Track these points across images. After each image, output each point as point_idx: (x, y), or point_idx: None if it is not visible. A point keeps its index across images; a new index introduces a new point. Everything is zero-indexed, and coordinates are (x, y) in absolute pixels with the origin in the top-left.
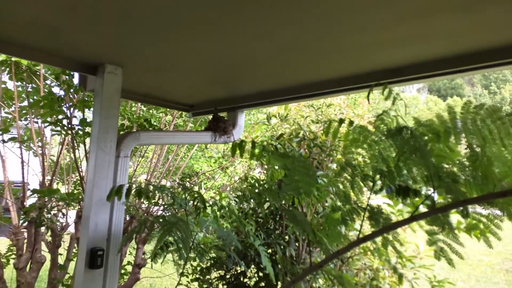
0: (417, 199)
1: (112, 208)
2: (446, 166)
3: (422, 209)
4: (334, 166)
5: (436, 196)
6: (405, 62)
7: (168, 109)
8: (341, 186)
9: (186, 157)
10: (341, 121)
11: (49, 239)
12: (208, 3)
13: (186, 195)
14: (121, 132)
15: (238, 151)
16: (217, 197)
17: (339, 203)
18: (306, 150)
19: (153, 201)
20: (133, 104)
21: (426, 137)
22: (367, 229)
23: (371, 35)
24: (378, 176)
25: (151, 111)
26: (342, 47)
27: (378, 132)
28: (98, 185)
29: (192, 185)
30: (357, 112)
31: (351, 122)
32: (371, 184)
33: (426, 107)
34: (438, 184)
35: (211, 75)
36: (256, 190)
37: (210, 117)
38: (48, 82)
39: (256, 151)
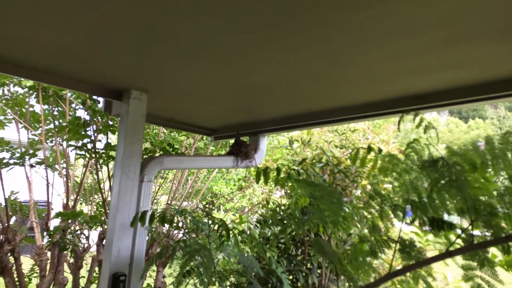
0: (451, 232)
1: (135, 233)
2: (483, 198)
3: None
4: (358, 192)
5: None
6: (432, 89)
7: (190, 133)
8: (368, 215)
9: (206, 179)
10: (370, 148)
11: (71, 260)
12: (232, 32)
13: (210, 222)
14: (144, 156)
15: (262, 178)
16: (237, 220)
17: (366, 232)
18: (330, 176)
19: (174, 224)
20: (155, 127)
21: (458, 166)
22: (390, 254)
23: (400, 63)
24: (409, 206)
25: (172, 134)
26: (369, 74)
27: (408, 160)
28: (122, 210)
29: (212, 208)
30: (382, 137)
31: (379, 150)
32: (400, 214)
33: (447, 129)
34: (475, 217)
35: (233, 100)
36: (279, 217)
37: (232, 140)
38: (73, 105)
39: (281, 178)
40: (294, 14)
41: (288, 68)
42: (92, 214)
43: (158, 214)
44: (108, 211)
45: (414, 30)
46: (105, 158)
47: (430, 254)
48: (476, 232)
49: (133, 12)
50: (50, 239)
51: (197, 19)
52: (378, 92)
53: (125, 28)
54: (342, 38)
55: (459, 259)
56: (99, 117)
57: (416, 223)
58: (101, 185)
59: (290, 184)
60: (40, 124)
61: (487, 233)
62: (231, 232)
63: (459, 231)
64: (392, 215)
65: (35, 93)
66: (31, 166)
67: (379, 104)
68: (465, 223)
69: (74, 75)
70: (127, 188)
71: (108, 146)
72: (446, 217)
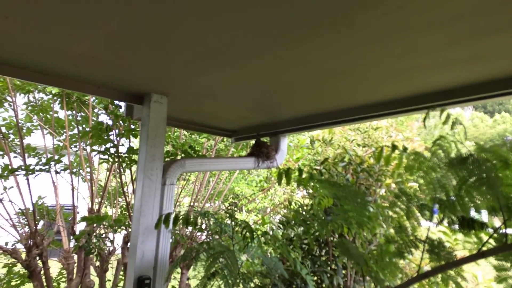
0: (483, 232)
1: (159, 236)
2: None
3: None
4: (383, 191)
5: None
6: (457, 84)
7: (210, 135)
8: (394, 215)
9: (228, 181)
10: (394, 147)
11: (97, 263)
12: (247, 35)
13: (233, 224)
14: (166, 159)
15: (284, 179)
16: (259, 221)
17: (392, 233)
18: (353, 175)
19: (197, 226)
20: (177, 130)
21: (489, 163)
22: (417, 255)
23: (422, 58)
24: (437, 205)
25: (193, 136)
26: (390, 70)
27: (435, 158)
28: (145, 214)
29: (235, 209)
30: (406, 135)
31: (404, 148)
32: (427, 213)
33: (471, 124)
34: (508, 216)
35: (252, 101)
36: (302, 217)
37: (252, 141)
38: (96, 110)
39: (303, 178)
40: (312, 13)
41: (307, 67)
42: (117, 217)
43: (182, 216)
44: (132, 214)
45: (439, 23)
46: (128, 162)
47: (459, 254)
48: (509, 231)
49: (149, 18)
50: (76, 243)
51: (215, 20)
52: (400, 88)
53: (143, 33)
54: (359, 34)
55: (491, 258)
56: (121, 122)
57: (445, 222)
58: (125, 189)
59: (312, 184)
60: (64, 130)
61: None
62: (254, 233)
63: (490, 231)
64: (418, 215)
65: (59, 99)
66: (57, 172)
67: (403, 100)
68: (496, 223)
69: (94, 80)
70: (150, 192)
71: (130, 150)
72: (475, 215)
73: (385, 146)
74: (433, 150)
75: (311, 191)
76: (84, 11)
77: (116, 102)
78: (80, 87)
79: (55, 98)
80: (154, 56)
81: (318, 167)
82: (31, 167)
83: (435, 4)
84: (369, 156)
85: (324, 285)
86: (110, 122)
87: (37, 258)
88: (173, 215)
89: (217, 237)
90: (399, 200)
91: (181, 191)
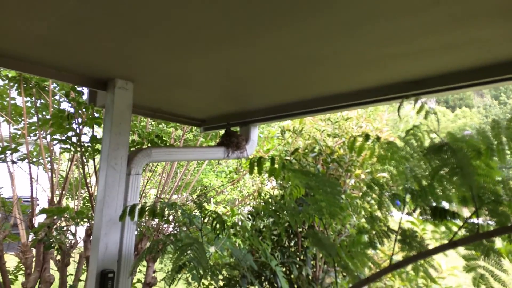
0: (453, 222)
1: (123, 228)
2: (487, 186)
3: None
4: (352, 181)
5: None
6: (430, 73)
7: (178, 124)
8: (366, 205)
9: (196, 172)
10: (367, 136)
11: (58, 257)
12: (220, 18)
13: (202, 215)
14: (132, 149)
15: (256, 169)
16: (228, 213)
17: (364, 223)
18: (323, 166)
19: (164, 218)
20: (143, 119)
21: (463, 153)
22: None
23: (395, 46)
24: (408, 195)
25: (160, 126)
26: (362, 58)
27: (408, 147)
28: (108, 205)
29: (204, 201)
30: (375, 125)
31: (378, 138)
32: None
33: (434, 118)
34: (480, 205)
35: (223, 89)
36: (273, 208)
37: (222, 131)
38: (57, 97)
39: (276, 168)
40: None
41: (277, 54)
42: (79, 209)
43: (148, 208)
44: (95, 206)
45: (411, 9)
46: (91, 152)
47: (427, 243)
48: (476, 220)
49: None
50: (34, 237)
51: (187, 5)
52: (373, 77)
53: (107, 12)
54: (333, 20)
55: (458, 248)
56: (83, 109)
57: (416, 213)
58: (88, 180)
59: (284, 174)
60: (22, 118)
61: (490, 222)
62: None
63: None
64: (390, 205)
65: (16, 84)
66: (13, 162)
67: (375, 90)
68: (465, 213)
69: (54, 64)
70: (113, 182)
71: (94, 139)
72: (447, 205)
73: (357, 136)
74: (406, 140)
75: (281, 182)
76: None
77: (79, 88)
78: (39, 70)
79: (11, 83)
80: (118, 38)
81: (288, 158)
82: None
83: None
84: (339, 146)
85: (293, 276)
86: (72, 110)
87: None
88: (138, 207)
89: (184, 229)
90: (371, 190)
91: (147, 182)
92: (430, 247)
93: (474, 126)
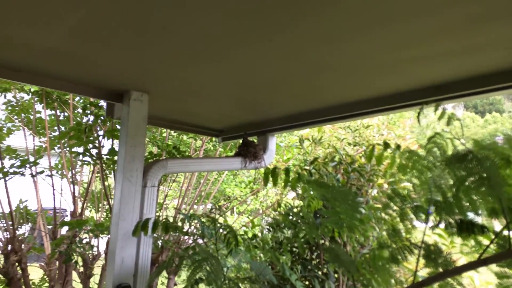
0: (483, 235)
1: (139, 241)
2: None
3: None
4: (375, 191)
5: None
6: (452, 78)
7: (197, 135)
8: (387, 217)
9: (217, 182)
10: (386, 145)
11: (82, 269)
12: (235, 26)
13: (215, 229)
14: (150, 161)
15: (271, 179)
16: (250, 224)
17: (385, 237)
18: (344, 175)
19: (184, 231)
20: (163, 130)
21: (489, 162)
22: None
23: (413, 50)
24: (432, 207)
25: (181, 136)
26: (380, 64)
27: (430, 156)
28: (124, 218)
29: (224, 210)
30: (398, 133)
31: (397, 146)
32: (422, 216)
33: (463, 123)
34: (511, 218)
35: (239, 98)
36: (291, 221)
37: (241, 141)
38: (79, 110)
39: (291, 179)
40: (301, 3)
41: (294, 62)
42: (101, 221)
43: (161, 222)
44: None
45: (426, 11)
46: (110, 164)
47: (456, 256)
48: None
49: (123, 6)
50: (53, 250)
51: (196, 11)
52: (392, 83)
53: (117, 24)
54: (348, 23)
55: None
56: (100, 121)
57: (441, 225)
58: (108, 192)
59: (301, 185)
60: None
61: None
62: (241, 237)
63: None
64: (413, 217)
65: (38, 98)
66: (32, 176)
67: (394, 96)
68: (497, 226)
69: (69, 77)
70: (129, 194)
71: (112, 151)
72: (474, 218)
73: (376, 144)
74: (428, 148)
75: (300, 192)
76: None
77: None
78: (54, 84)
79: (33, 97)
80: (131, 50)
81: (308, 167)
82: (5, 170)
83: None
84: (360, 155)
85: None
86: (90, 122)
87: (16, 264)
88: (152, 221)
89: (200, 241)
90: (392, 202)
91: (167, 194)
92: (461, 261)
93: (505, 131)
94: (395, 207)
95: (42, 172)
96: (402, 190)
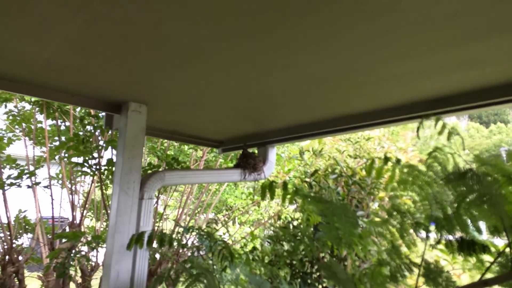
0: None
1: (135, 254)
2: None
3: None
4: (376, 205)
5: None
6: (452, 91)
7: (198, 146)
8: (387, 234)
9: (218, 192)
10: (386, 159)
11: (80, 280)
12: (235, 36)
13: (211, 243)
14: (149, 172)
15: (268, 193)
16: (248, 236)
17: (384, 254)
18: (344, 188)
19: (183, 243)
20: (164, 141)
21: (490, 178)
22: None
23: (414, 63)
24: (432, 224)
25: (182, 146)
26: (380, 76)
27: (430, 171)
28: (120, 230)
29: (226, 220)
30: (399, 145)
31: (398, 160)
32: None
33: (467, 134)
34: None
35: (240, 109)
36: (291, 234)
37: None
38: (78, 121)
39: (288, 194)
40: (298, 14)
41: (296, 74)
42: (101, 231)
43: (157, 236)
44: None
45: (432, 23)
46: (109, 175)
47: (457, 271)
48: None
49: (119, 16)
50: (47, 264)
51: (195, 23)
52: (394, 95)
53: (114, 34)
54: (350, 37)
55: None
56: (99, 132)
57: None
58: (107, 202)
59: (299, 199)
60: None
61: None
62: (242, 249)
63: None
64: (412, 233)
65: (38, 108)
66: (28, 187)
67: (396, 109)
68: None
69: (68, 88)
70: (126, 207)
71: (110, 162)
72: (476, 236)
73: (376, 157)
74: (429, 163)
75: (299, 204)
76: (37, 9)
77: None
78: (52, 95)
79: (34, 107)
80: (129, 61)
81: (308, 179)
82: (3, 181)
83: (428, 1)
84: (361, 167)
85: None
86: (89, 133)
87: (13, 275)
88: (147, 233)
89: (197, 254)
90: (392, 217)
91: (166, 204)
92: (463, 277)
93: (510, 142)
94: (395, 223)
95: (38, 183)
96: (402, 205)
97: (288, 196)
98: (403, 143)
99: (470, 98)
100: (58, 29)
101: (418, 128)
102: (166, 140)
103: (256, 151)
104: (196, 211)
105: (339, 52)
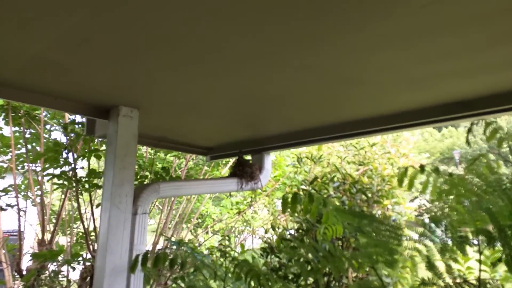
0: None
1: (129, 277)
2: None
3: None
4: (379, 213)
5: None
6: (475, 94)
7: (180, 153)
8: (422, 249)
9: (200, 201)
10: (422, 167)
11: None
12: (230, 39)
13: (226, 262)
14: (135, 183)
15: (290, 207)
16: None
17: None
18: (348, 195)
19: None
20: (140, 147)
21: None
22: None
23: (443, 64)
24: (482, 238)
25: (158, 154)
26: (407, 77)
27: (479, 180)
28: (112, 250)
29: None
30: (402, 151)
31: (436, 170)
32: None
33: (422, 138)
34: None
35: (236, 114)
36: (291, 245)
37: (230, 160)
38: (48, 127)
39: (313, 205)
40: (306, 11)
41: (302, 74)
42: (71, 245)
43: (155, 256)
44: (90, 242)
45: (456, 26)
46: (87, 188)
47: None
48: None
49: (117, 14)
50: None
51: (191, 21)
52: (415, 98)
53: (110, 32)
54: (375, 33)
55: None
56: (72, 139)
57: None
58: (82, 214)
59: (325, 213)
60: (10, 149)
61: None
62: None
63: None
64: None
65: (3, 113)
66: None
67: (412, 113)
68: None
69: (51, 90)
70: (118, 223)
71: (92, 173)
72: None
73: (410, 166)
74: (471, 170)
75: (296, 215)
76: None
77: (72, 117)
78: (32, 98)
79: None
80: (122, 61)
81: (305, 187)
82: None
83: (454, 5)
84: (362, 174)
85: None
86: (64, 140)
87: None
88: (142, 254)
89: (193, 271)
90: (429, 231)
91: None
92: None
93: (462, 145)
94: (433, 238)
95: (5, 190)
96: (445, 217)
97: (313, 209)
98: (406, 148)
99: (491, 102)
100: (51, 24)
101: (467, 134)
102: (140, 147)
103: (251, 158)
104: (177, 225)
105: (345, 53)
